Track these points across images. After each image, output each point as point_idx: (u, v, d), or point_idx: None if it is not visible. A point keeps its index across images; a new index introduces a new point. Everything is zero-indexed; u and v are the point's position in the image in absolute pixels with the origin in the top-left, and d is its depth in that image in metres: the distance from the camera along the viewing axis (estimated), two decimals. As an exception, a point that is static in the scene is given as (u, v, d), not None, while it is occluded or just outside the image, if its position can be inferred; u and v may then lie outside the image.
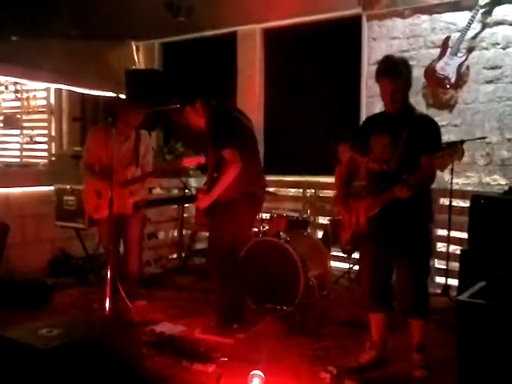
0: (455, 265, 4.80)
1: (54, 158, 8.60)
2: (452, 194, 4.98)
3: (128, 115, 4.56)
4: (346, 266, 5.39)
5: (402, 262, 3.37)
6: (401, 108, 3.36)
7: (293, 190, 6.59)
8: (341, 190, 3.61)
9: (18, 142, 9.55)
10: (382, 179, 3.31)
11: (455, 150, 3.02)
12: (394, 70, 3.33)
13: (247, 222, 4.31)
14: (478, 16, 5.46)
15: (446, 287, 4.95)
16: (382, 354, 3.54)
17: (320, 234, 5.80)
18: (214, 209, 4.02)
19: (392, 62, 3.40)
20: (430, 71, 5.72)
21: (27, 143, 9.41)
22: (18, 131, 9.51)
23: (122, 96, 6.52)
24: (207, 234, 4.41)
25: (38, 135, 9.28)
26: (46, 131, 9.16)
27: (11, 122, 9.50)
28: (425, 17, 5.88)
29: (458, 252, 4.77)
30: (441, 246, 5.40)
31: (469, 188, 5.54)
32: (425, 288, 3.41)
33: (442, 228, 5.26)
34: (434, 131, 3.33)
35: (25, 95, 9.32)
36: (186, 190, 5.95)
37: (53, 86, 8.41)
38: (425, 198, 3.39)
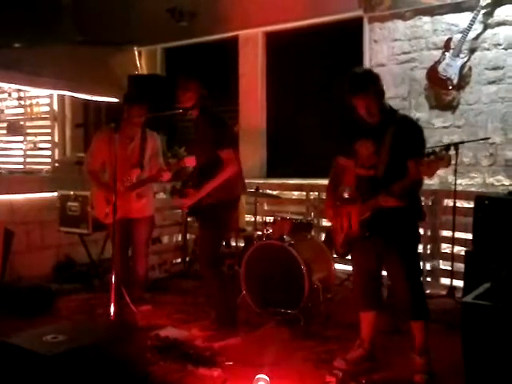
0: (460, 266, 4.78)
1: (57, 165, 8.63)
2: (456, 195, 4.95)
3: (129, 115, 4.54)
4: (350, 268, 5.37)
5: (393, 262, 3.36)
6: (381, 117, 3.33)
7: (296, 192, 6.58)
8: (329, 196, 3.63)
9: (21, 149, 9.59)
10: (372, 184, 3.31)
11: (441, 157, 2.95)
12: (360, 88, 3.27)
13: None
14: (480, 17, 5.45)
15: (451, 288, 4.93)
16: (370, 354, 3.58)
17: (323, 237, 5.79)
18: (208, 211, 4.07)
19: (356, 79, 3.32)
20: (432, 73, 5.72)
21: (31, 150, 9.45)
22: (21, 138, 9.55)
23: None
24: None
25: (42, 142, 9.31)
26: (49, 137, 9.20)
27: (15, 128, 9.54)
28: (426, 18, 5.87)
29: (463, 253, 4.74)
30: (445, 247, 5.38)
31: (473, 189, 5.52)
32: (420, 287, 3.39)
33: (447, 229, 5.25)
34: (417, 134, 3.30)
35: (28, 102, 9.35)
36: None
37: (56, 93, 8.44)
38: (414, 198, 3.35)
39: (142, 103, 4.60)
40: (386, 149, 3.27)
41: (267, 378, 3.14)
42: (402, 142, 3.24)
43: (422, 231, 5.20)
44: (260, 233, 5.29)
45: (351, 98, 3.32)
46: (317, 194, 6.17)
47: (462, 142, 5.00)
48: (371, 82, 3.31)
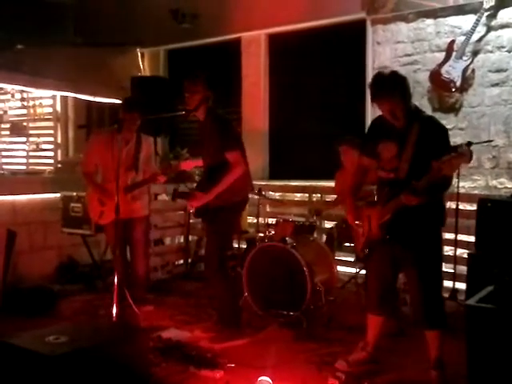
0: (463, 268, 4.77)
1: (60, 166, 8.64)
2: (459, 197, 4.94)
3: (125, 119, 4.55)
4: (352, 270, 5.37)
5: (411, 268, 3.32)
6: (406, 121, 3.27)
7: (298, 194, 6.58)
8: (350, 199, 3.58)
9: (24, 150, 9.60)
10: (394, 186, 3.27)
11: (463, 152, 2.93)
12: (386, 90, 3.21)
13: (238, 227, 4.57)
14: (483, 19, 5.45)
15: (454, 291, 4.92)
16: (372, 358, 3.57)
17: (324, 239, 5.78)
18: (216, 213, 4.07)
19: (382, 82, 3.26)
20: (435, 75, 5.72)
21: (33, 151, 9.46)
22: (24, 139, 9.56)
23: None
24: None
25: (44, 142, 9.32)
26: (52, 138, 9.21)
27: (18, 129, 9.55)
28: (429, 21, 5.87)
29: (466, 256, 4.74)
30: (448, 250, 5.35)
31: (475, 191, 5.52)
32: (437, 295, 3.31)
33: (449, 231, 5.22)
34: (442, 135, 3.24)
35: (31, 103, 9.37)
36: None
37: (59, 94, 8.44)
38: (437, 203, 3.31)
39: (135, 111, 4.61)
40: (409, 149, 3.22)
41: (270, 380, 3.14)
42: (426, 142, 3.18)
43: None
44: (262, 235, 5.30)
45: (375, 101, 3.28)
46: (319, 195, 6.17)
47: (467, 144, 4.98)
48: (396, 86, 3.22)
